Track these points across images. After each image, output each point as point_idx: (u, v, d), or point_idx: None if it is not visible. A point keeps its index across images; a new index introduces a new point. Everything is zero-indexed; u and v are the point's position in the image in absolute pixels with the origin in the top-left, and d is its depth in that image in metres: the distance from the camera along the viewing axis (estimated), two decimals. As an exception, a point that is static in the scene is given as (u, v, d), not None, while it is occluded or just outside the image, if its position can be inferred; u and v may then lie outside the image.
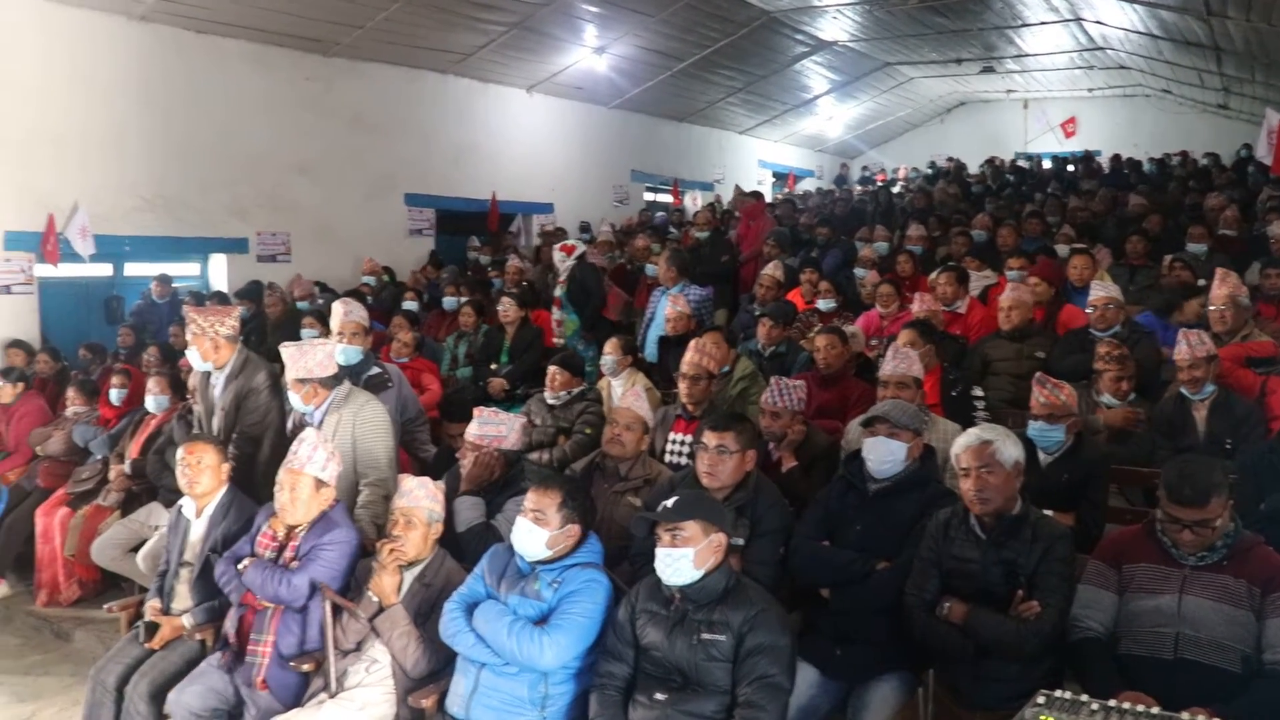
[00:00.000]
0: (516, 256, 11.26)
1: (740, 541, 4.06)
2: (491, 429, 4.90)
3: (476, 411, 5.04)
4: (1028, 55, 18.86)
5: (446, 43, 13.27)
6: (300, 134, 12.33)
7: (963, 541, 3.73)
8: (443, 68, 14.05)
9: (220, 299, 10.47)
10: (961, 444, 3.75)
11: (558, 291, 8.54)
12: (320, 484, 4.44)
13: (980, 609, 3.60)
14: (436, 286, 11.13)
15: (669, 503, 3.61)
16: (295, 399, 5.24)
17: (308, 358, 5.21)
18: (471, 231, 14.47)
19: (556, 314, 8.51)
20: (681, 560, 3.48)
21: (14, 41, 9.61)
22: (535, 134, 16.10)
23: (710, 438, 4.25)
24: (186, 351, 5.62)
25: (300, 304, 10.51)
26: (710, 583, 3.51)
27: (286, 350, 5.28)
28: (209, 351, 5.45)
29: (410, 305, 9.89)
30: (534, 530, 3.82)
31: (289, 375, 5.22)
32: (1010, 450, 3.67)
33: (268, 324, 9.83)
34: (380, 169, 13.41)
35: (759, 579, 3.85)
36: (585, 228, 15.37)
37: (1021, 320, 6.67)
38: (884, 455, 4.15)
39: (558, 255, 8.89)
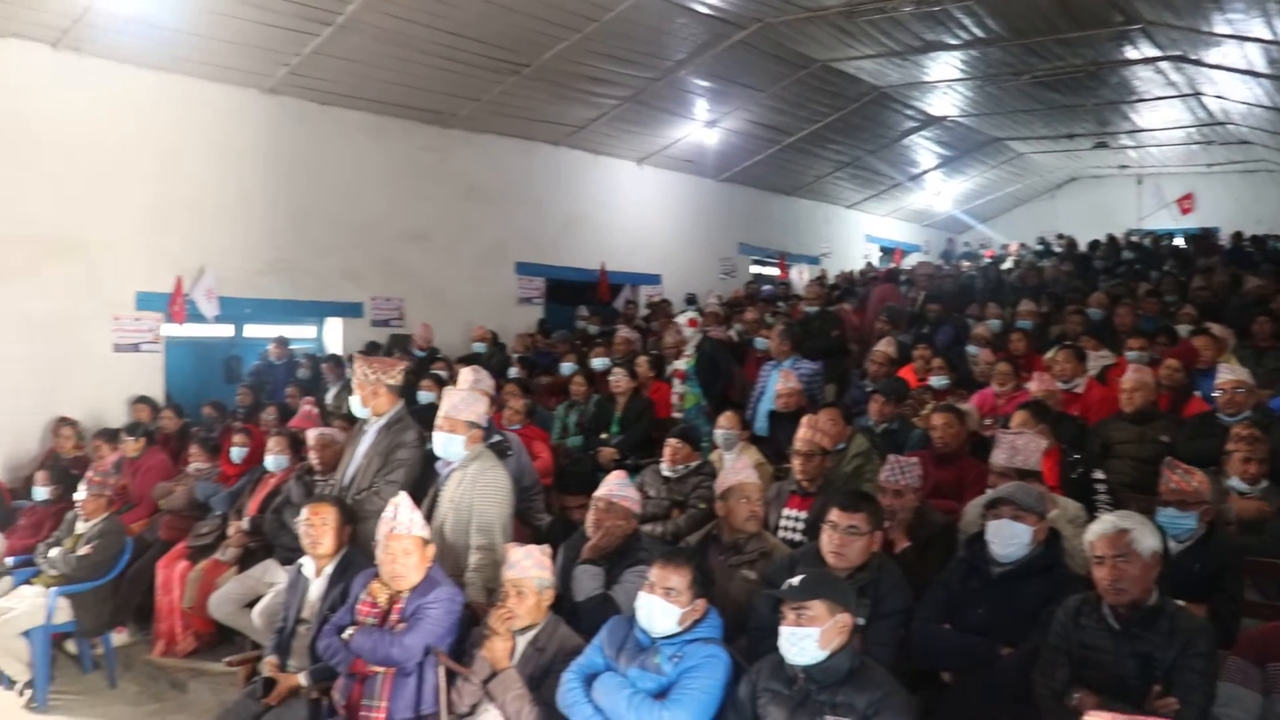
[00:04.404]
0: (627, 327, 11.36)
1: (861, 621, 4.01)
2: (631, 490, 4.94)
3: (616, 474, 5.06)
4: (1143, 130, 18.61)
5: (560, 115, 13.61)
6: (416, 202, 12.72)
7: (1095, 630, 3.63)
8: (555, 139, 14.39)
9: (335, 361, 10.78)
10: (1096, 531, 3.66)
11: (682, 365, 8.52)
12: (425, 542, 4.54)
13: (1114, 703, 3.49)
14: (547, 355, 11.28)
15: (795, 581, 3.59)
16: (455, 442, 5.26)
17: (479, 403, 5.38)
18: (579, 301, 14.68)
19: (679, 387, 8.46)
20: (806, 640, 3.45)
21: (153, 113, 10.17)
22: (644, 206, 16.34)
23: (840, 517, 4.22)
24: (349, 399, 5.82)
25: (418, 352, 11.02)
26: (835, 663, 3.47)
27: (456, 394, 5.39)
28: (369, 397, 5.66)
29: (514, 372, 10.02)
30: (667, 607, 3.82)
31: (463, 415, 5.26)
32: (1148, 540, 3.58)
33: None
34: (492, 237, 13.73)
35: (879, 660, 3.79)
36: (692, 299, 15.45)
37: (1144, 402, 6.50)
38: (1008, 538, 4.09)
39: (687, 331, 8.90)
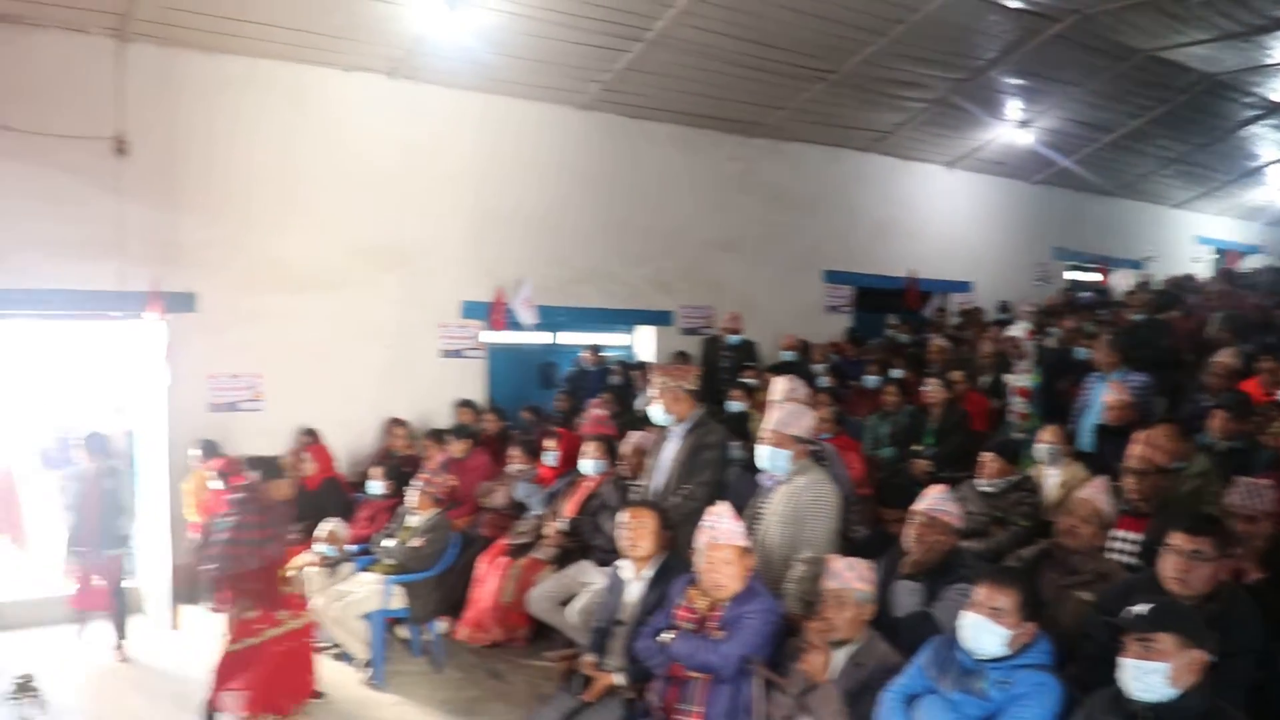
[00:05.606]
0: (939, 336, 11.07)
1: (1213, 659, 3.73)
2: (953, 505, 4.84)
3: (937, 488, 4.97)
4: None
5: (866, 121, 13.42)
6: (722, 212, 12.86)
7: None
8: (863, 145, 14.20)
9: (646, 368, 11.09)
10: None
11: (1025, 381, 8.23)
12: (745, 551, 4.58)
13: None
14: (856, 364, 11.17)
15: (1143, 609, 3.37)
16: (781, 456, 5.29)
17: (806, 418, 5.42)
18: (888, 309, 14.39)
19: (1020, 405, 8.20)
20: (1154, 675, 3.25)
21: (475, 133, 10.83)
22: (954, 211, 15.85)
23: (1184, 541, 3.94)
24: (648, 408, 6.09)
25: (731, 338, 11.39)
26: (1187, 704, 3.24)
27: (784, 407, 5.44)
28: (670, 404, 5.91)
29: (824, 381, 9.98)
30: (993, 629, 3.71)
31: (790, 429, 5.30)
32: None
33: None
34: (800, 246, 13.69)
35: (1229, 703, 3.52)
36: (1005, 307, 14.87)
37: None
38: (1396, 575, 3.69)
39: (1027, 344, 8.60)
